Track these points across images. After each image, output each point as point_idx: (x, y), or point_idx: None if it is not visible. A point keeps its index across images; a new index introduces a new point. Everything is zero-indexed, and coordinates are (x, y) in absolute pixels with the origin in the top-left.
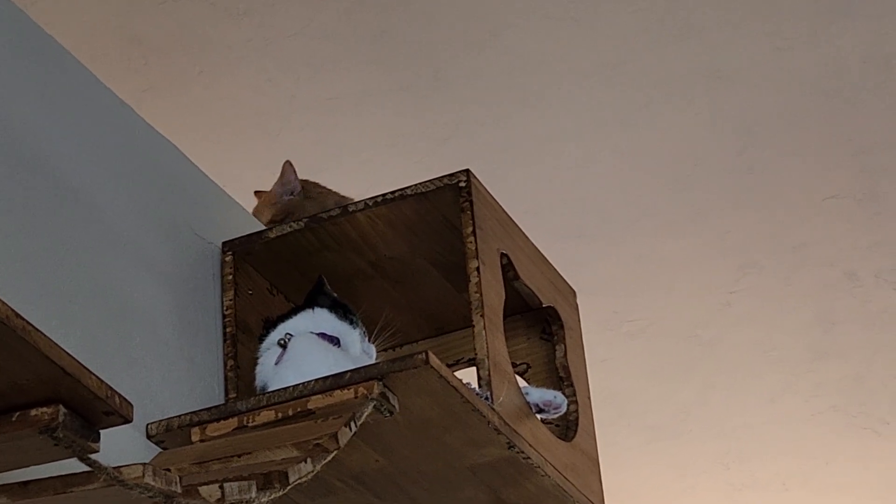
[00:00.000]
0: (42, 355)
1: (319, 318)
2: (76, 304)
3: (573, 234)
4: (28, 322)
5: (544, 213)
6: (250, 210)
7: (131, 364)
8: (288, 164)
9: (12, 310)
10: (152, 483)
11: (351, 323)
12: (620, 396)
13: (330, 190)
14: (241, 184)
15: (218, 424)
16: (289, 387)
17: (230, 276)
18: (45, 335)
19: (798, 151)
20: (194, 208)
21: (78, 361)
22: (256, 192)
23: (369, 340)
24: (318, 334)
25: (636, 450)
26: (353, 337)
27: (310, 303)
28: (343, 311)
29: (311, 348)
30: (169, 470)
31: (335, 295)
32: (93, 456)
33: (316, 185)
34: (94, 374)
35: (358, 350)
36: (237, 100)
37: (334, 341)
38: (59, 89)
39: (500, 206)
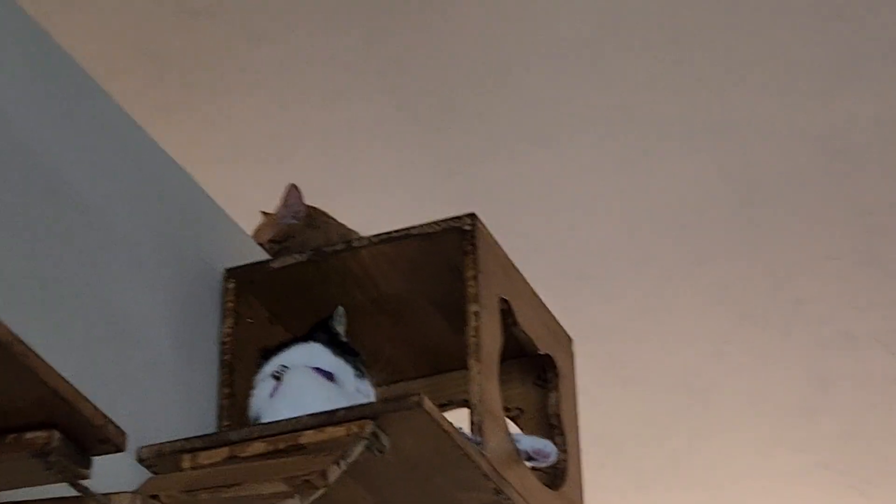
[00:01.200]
0: (40, 380)
1: (315, 352)
2: (76, 322)
3: (573, 276)
4: (28, 347)
5: (545, 252)
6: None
7: (128, 385)
8: (293, 188)
9: (13, 335)
10: None
11: (346, 361)
12: (611, 440)
13: (336, 221)
14: (248, 206)
15: (210, 453)
16: (281, 420)
17: (231, 304)
18: (43, 361)
19: (801, 208)
20: (200, 233)
21: (74, 388)
22: (263, 213)
23: (365, 378)
24: (314, 369)
25: (624, 494)
26: (347, 374)
27: (307, 336)
28: (340, 347)
29: (307, 382)
30: (158, 497)
31: (338, 332)
32: (84, 482)
33: (323, 213)
34: (89, 402)
35: (352, 387)
36: (249, 122)
37: (329, 376)
38: (73, 106)
39: (503, 252)
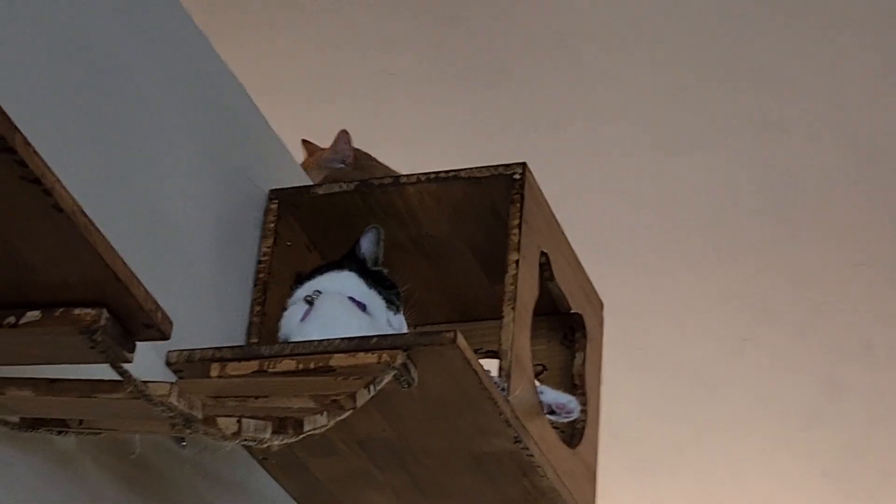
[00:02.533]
0: (98, 256)
1: (350, 281)
2: (120, 218)
3: (600, 250)
4: (91, 221)
5: (577, 222)
6: (300, 162)
7: (162, 288)
8: (344, 133)
9: (79, 206)
10: (176, 404)
11: (379, 293)
12: (615, 421)
13: (382, 164)
14: (290, 142)
15: (239, 364)
16: (314, 341)
17: (272, 225)
18: (104, 237)
19: (835, 211)
20: (250, 151)
21: (130, 269)
22: (304, 141)
23: (399, 312)
24: (348, 297)
25: (620, 477)
26: (379, 306)
27: (342, 263)
28: (375, 278)
29: (339, 310)
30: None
31: (365, 258)
32: (125, 366)
33: (369, 156)
34: (142, 285)
35: (383, 320)
36: (299, 59)
37: (361, 307)
38: (145, 8)
39: (549, 206)
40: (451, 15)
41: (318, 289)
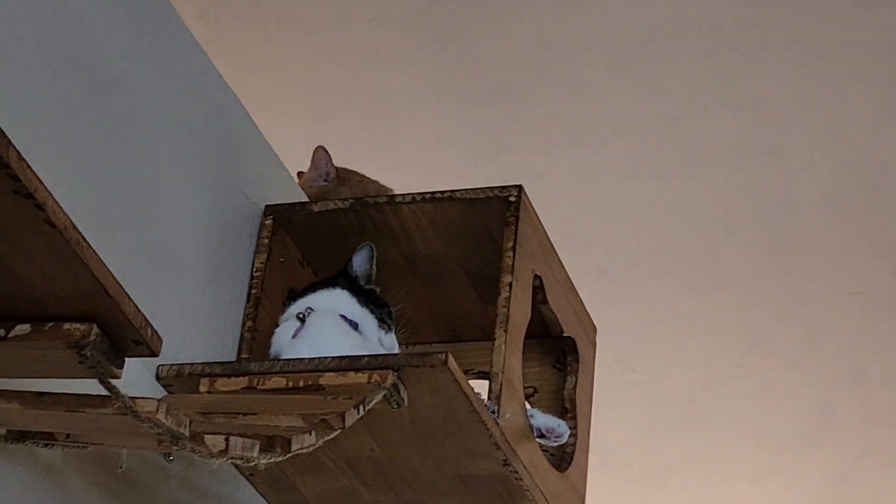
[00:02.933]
0: (89, 271)
1: (342, 299)
2: (114, 233)
3: (596, 272)
4: (83, 237)
5: (573, 244)
6: (297, 177)
7: (155, 303)
8: (320, 149)
9: (70, 221)
10: (163, 420)
11: (371, 311)
12: (606, 443)
13: (369, 178)
14: (285, 155)
15: (228, 380)
16: (304, 359)
17: (266, 240)
18: (95, 252)
19: (833, 240)
20: (245, 166)
21: (121, 286)
22: (299, 174)
23: (390, 332)
24: (340, 316)
25: (609, 499)
26: (370, 324)
27: (335, 281)
28: (367, 297)
29: (331, 327)
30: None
31: (357, 276)
32: (113, 381)
33: (354, 172)
34: (132, 302)
35: (375, 339)
36: (297, 75)
37: (353, 325)
38: (143, 20)
39: (543, 229)
40: (451, 35)
41: (311, 306)
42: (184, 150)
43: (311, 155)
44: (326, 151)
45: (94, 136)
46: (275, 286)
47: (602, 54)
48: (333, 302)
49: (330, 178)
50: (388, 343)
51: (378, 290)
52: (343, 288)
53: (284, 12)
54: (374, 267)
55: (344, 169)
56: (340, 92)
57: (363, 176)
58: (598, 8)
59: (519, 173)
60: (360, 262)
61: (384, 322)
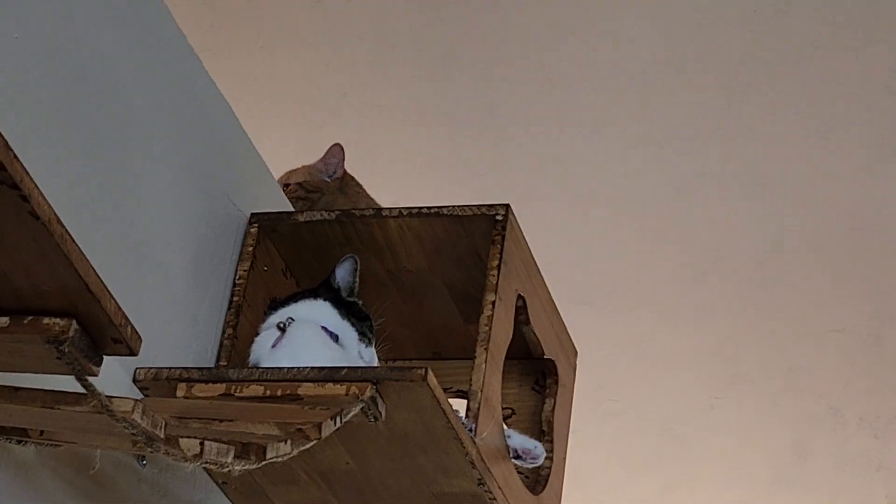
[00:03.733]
0: (71, 266)
1: (323, 310)
2: (98, 233)
3: (578, 300)
4: (67, 231)
5: (556, 271)
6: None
7: (136, 305)
8: (338, 146)
9: (55, 214)
10: (139, 421)
11: (352, 324)
12: (582, 471)
13: (366, 192)
14: (273, 164)
15: (206, 386)
16: (283, 368)
17: (250, 248)
18: (78, 247)
19: (817, 277)
20: (233, 173)
21: (102, 283)
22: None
23: (371, 345)
24: (321, 327)
25: None
26: (351, 337)
27: (317, 291)
28: (348, 309)
29: (311, 338)
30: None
31: (340, 287)
32: (90, 379)
33: (357, 183)
34: (114, 299)
35: (355, 352)
36: (290, 83)
37: (334, 337)
38: (138, 23)
39: (529, 250)
40: (444, 55)
41: (292, 316)
42: (173, 153)
43: (328, 149)
44: (342, 151)
45: (82, 135)
46: (257, 294)
47: (594, 81)
48: (315, 313)
49: (335, 177)
50: (367, 356)
51: (360, 302)
52: (325, 299)
53: (279, 24)
54: (357, 279)
55: (350, 175)
56: (331, 105)
57: (362, 188)
58: (592, 35)
59: (506, 195)
60: (343, 273)
61: (364, 335)
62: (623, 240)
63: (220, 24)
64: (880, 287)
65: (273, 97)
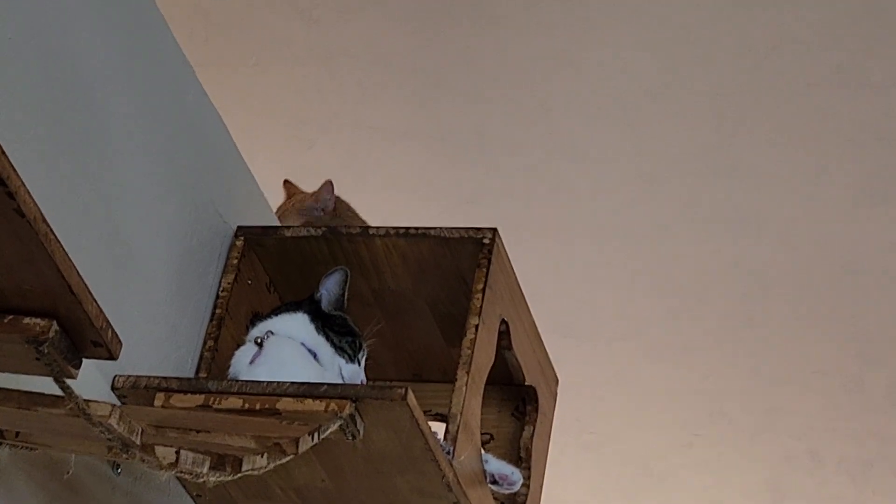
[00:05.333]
0: (54, 266)
1: (298, 325)
2: (82, 238)
3: (559, 331)
4: (52, 230)
5: (539, 300)
6: (273, 202)
7: (118, 311)
8: (329, 184)
9: (41, 213)
10: (115, 426)
11: (328, 339)
12: (557, 501)
13: (359, 216)
14: (262, 179)
15: (184, 396)
16: (263, 381)
17: (235, 261)
18: (62, 247)
19: (801, 317)
20: (221, 185)
21: (85, 284)
22: (286, 182)
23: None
24: (299, 343)
25: None
26: (327, 352)
27: (296, 305)
28: (327, 322)
29: (288, 354)
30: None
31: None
32: (68, 381)
33: (349, 207)
34: (96, 302)
35: (334, 368)
36: (281, 101)
37: (313, 354)
38: (133, 29)
39: (515, 275)
40: (437, 77)
41: (271, 329)
42: (162, 162)
43: (321, 186)
44: (332, 186)
45: (72, 139)
46: (240, 307)
47: (586, 111)
48: (291, 327)
49: (328, 211)
50: (348, 373)
51: (347, 317)
52: (304, 312)
53: (274, 41)
54: (346, 292)
55: (340, 200)
56: (322, 124)
57: (354, 212)
58: (585, 65)
59: (493, 221)
60: (331, 284)
61: (343, 350)
62: (608, 272)
63: (215, 38)
64: (863, 330)
65: (264, 114)
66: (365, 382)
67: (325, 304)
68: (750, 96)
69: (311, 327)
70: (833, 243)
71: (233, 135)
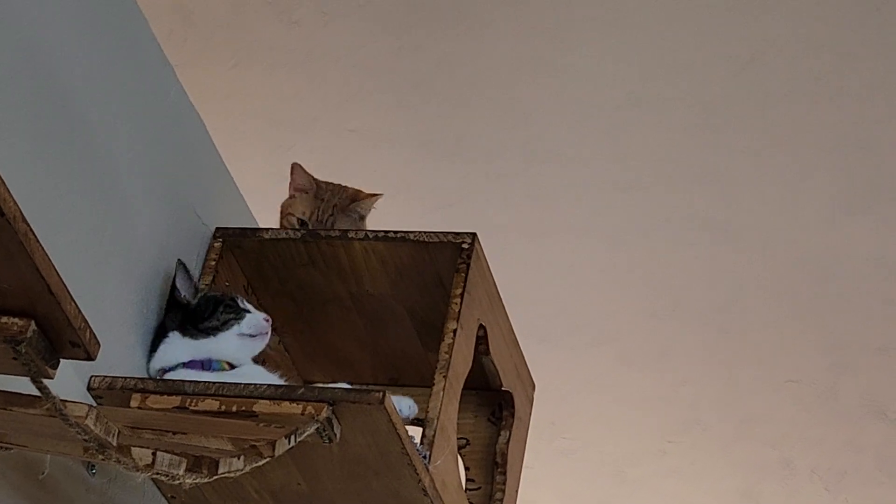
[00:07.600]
0: (33, 266)
1: (176, 347)
2: (63, 239)
3: (536, 336)
4: (31, 229)
5: (517, 305)
6: (252, 204)
7: (95, 313)
8: (295, 165)
9: (21, 212)
10: (92, 427)
11: (209, 331)
12: None
13: (341, 185)
14: (241, 182)
15: (160, 398)
16: (240, 384)
17: (213, 262)
18: (42, 247)
19: (776, 326)
20: (201, 187)
21: (64, 284)
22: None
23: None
24: (185, 365)
25: None
26: (222, 341)
27: (163, 326)
28: (195, 319)
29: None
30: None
31: (184, 296)
32: (45, 381)
33: (327, 183)
34: (74, 302)
35: (242, 341)
36: (261, 103)
37: (206, 364)
38: (113, 29)
39: (494, 281)
40: (417, 81)
41: (162, 367)
42: (141, 161)
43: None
44: (301, 166)
45: (50, 139)
46: None
47: (566, 117)
48: (171, 356)
49: (311, 190)
50: (248, 328)
51: (208, 293)
52: (174, 330)
53: (254, 42)
54: (193, 277)
55: (318, 181)
56: (302, 126)
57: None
58: (566, 71)
59: (472, 225)
60: (181, 282)
61: (229, 321)
62: (585, 278)
63: (195, 38)
64: (838, 339)
65: (244, 116)
66: (266, 319)
67: (188, 300)
68: (729, 104)
69: (186, 340)
70: (811, 252)
71: (214, 137)
